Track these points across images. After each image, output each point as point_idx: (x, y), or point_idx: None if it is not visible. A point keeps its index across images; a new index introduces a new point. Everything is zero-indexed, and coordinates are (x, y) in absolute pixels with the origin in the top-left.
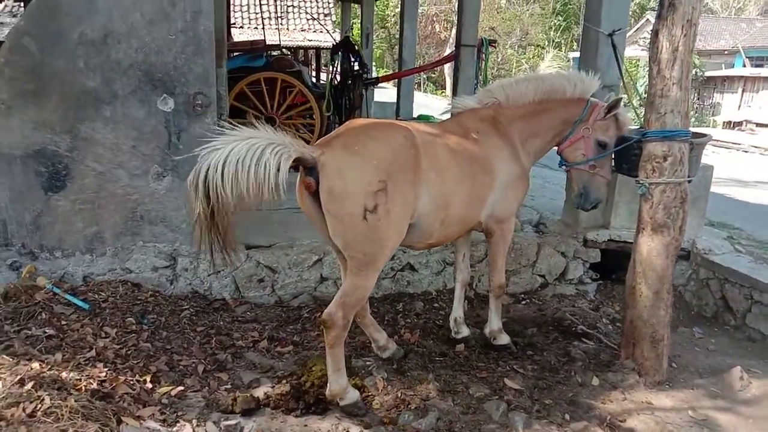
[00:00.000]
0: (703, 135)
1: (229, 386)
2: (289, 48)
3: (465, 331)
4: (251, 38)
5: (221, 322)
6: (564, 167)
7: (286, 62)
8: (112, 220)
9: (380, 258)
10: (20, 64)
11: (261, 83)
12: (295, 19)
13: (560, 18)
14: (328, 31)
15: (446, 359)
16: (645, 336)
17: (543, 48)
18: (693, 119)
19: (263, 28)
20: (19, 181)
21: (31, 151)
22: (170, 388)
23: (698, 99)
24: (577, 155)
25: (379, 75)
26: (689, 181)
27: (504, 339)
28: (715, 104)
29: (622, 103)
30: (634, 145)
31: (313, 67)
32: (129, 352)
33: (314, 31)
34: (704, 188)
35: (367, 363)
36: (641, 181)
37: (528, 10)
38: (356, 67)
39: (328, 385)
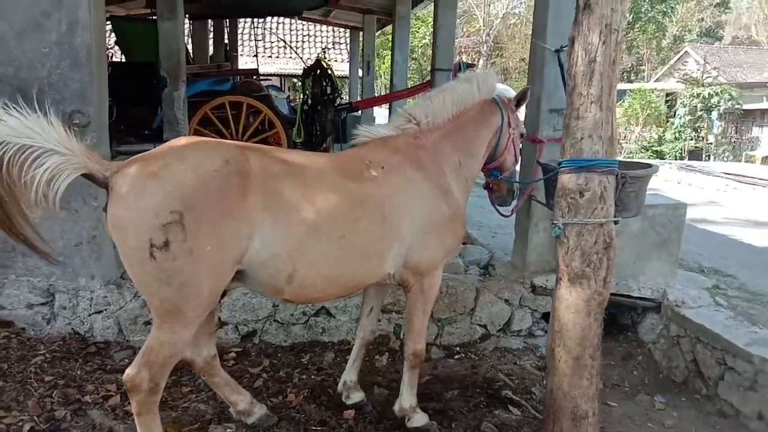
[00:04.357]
0: (648, 165)
1: None
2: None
3: (357, 397)
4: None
5: (78, 371)
6: (497, 179)
7: (254, 86)
8: None
9: (186, 308)
10: None
11: (226, 107)
12: (309, 48)
13: None
14: (300, 57)
15: (325, 428)
16: (565, 411)
17: None
18: (728, 154)
19: (272, 58)
20: None
21: None
22: None
23: (736, 133)
24: (511, 159)
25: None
26: (616, 222)
27: (420, 419)
28: (753, 138)
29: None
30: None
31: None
32: None
33: (328, 60)
34: (675, 229)
35: (228, 431)
36: (555, 221)
37: None
38: (328, 92)
39: None
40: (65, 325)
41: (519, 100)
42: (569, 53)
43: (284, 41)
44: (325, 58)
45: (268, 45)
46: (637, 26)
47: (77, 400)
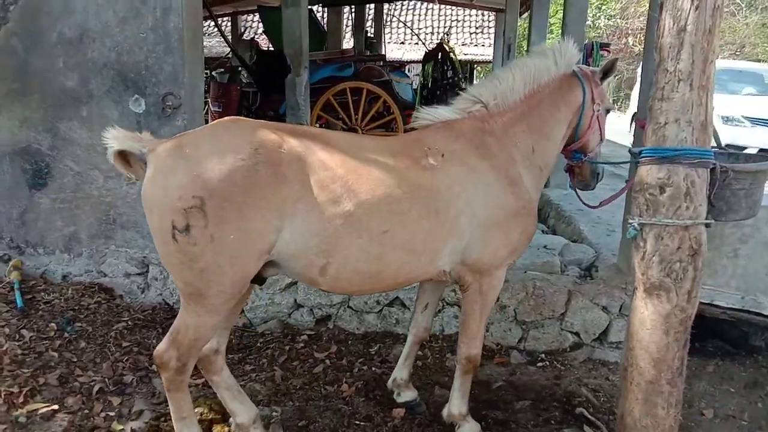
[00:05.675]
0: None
1: (112, 413)
2: None
3: (408, 396)
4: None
5: (154, 340)
6: (580, 162)
7: (375, 71)
8: (87, 221)
9: (208, 294)
10: (9, 64)
11: (347, 93)
12: (456, 33)
13: None
14: (422, 41)
15: (368, 425)
16: None
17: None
18: None
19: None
20: (7, 177)
21: (18, 149)
22: (43, 405)
23: None
24: (596, 139)
25: None
26: (708, 225)
27: (469, 429)
28: None
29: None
30: None
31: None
32: (28, 359)
33: (475, 45)
34: None
35: (274, 414)
36: (630, 220)
37: (745, 19)
38: (449, 76)
39: None
40: (157, 295)
41: (605, 73)
42: (657, 23)
43: (407, 26)
44: (448, 41)
45: (415, 31)
46: None
47: (145, 367)
